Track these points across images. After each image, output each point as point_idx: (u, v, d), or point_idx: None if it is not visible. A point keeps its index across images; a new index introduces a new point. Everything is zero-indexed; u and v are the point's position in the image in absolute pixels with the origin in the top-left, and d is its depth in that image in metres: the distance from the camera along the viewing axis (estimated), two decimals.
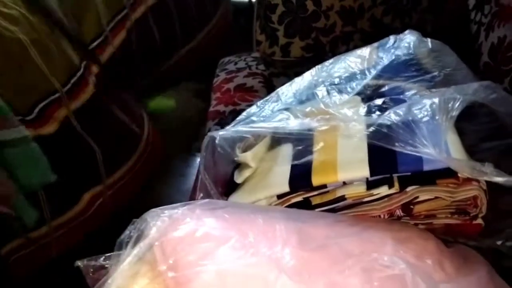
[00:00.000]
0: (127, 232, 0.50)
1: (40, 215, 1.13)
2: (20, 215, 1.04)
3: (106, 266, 0.48)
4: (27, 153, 1.05)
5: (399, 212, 0.64)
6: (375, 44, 0.90)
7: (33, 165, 1.07)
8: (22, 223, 1.04)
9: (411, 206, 0.63)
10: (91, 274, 0.48)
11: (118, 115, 1.36)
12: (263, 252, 0.46)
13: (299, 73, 0.92)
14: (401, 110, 0.62)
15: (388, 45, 0.87)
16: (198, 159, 1.62)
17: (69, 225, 1.20)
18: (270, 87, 1.22)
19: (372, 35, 1.31)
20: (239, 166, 0.75)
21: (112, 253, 0.48)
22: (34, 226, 1.12)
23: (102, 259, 0.48)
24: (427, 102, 0.62)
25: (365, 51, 0.88)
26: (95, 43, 1.36)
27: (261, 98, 1.08)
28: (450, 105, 0.60)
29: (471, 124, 0.73)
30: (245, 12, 2.34)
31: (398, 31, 1.06)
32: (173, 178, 1.57)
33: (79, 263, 0.48)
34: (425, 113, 0.60)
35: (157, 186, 1.52)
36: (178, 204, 0.53)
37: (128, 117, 1.39)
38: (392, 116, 0.61)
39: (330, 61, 0.89)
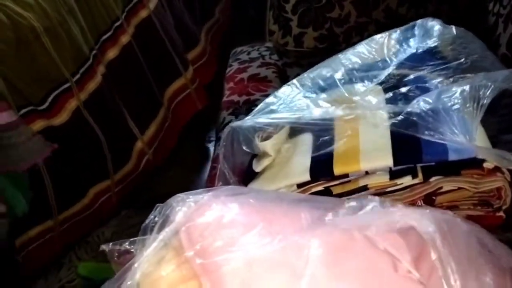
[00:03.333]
0: (151, 217, 0.49)
1: (47, 208, 1.13)
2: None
3: (131, 250, 0.47)
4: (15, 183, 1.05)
5: (420, 203, 0.63)
6: (395, 31, 0.88)
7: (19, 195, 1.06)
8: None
9: (433, 197, 0.62)
10: (116, 259, 0.47)
11: (123, 111, 1.35)
12: (290, 239, 0.45)
13: (312, 64, 0.91)
14: (430, 97, 0.60)
15: (408, 32, 0.86)
16: (211, 149, 1.63)
17: (74, 219, 1.20)
18: (283, 77, 1.21)
19: (386, 26, 1.29)
20: (257, 155, 0.75)
21: (137, 238, 0.48)
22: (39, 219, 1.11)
23: (127, 243, 0.48)
24: (457, 89, 0.61)
25: (384, 38, 0.86)
26: (108, 34, 1.35)
27: (275, 88, 1.08)
28: (481, 92, 0.59)
29: (490, 116, 0.72)
30: (255, 2, 2.33)
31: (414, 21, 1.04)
32: (183, 167, 1.57)
33: (104, 247, 0.48)
34: (456, 100, 0.59)
35: (167, 175, 1.51)
36: (202, 190, 0.53)
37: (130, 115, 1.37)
38: (421, 104, 0.60)
39: (349, 48, 0.88)
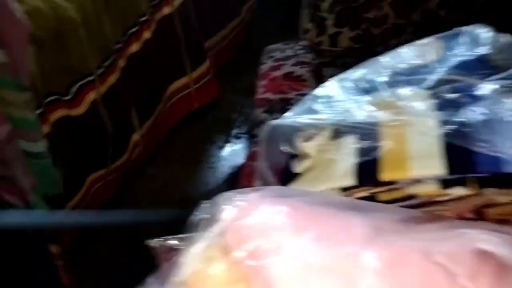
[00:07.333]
0: (197, 213, 0.48)
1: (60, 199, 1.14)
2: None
3: (177, 247, 0.47)
4: (42, 167, 1.07)
5: (470, 215, 0.60)
6: (440, 36, 0.86)
7: (46, 177, 1.08)
8: None
9: (484, 209, 0.60)
10: (162, 254, 0.47)
11: (131, 103, 1.35)
12: (344, 248, 0.44)
13: (347, 64, 0.88)
14: (482, 108, 0.58)
15: (455, 39, 0.83)
16: (227, 149, 1.61)
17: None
18: (318, 77, 1.19)
19: (425, 28, 1.26)
20: (295, 155, 0.73)
21: (183, 235, 0.47)
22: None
23: (173, 240, 0.47)
24: (510, 101, 0.59)
25: (430, 42, 0.84)
26: (134, 28, 1.35)
27: (310, 87, 1.06)
28: None
29: None
30: (286, 1, 2.31)
31: (454, 25, 1.00)
32: (200, 169, 1.56)
33: (149, 242, 0.47)
34: (509, 112, 0.57)
35: (187, 176, 1.51)
36: (249, 189, 0.51)
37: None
38: (473, 114, 0.57)
39: (390, 51, 0.85)
